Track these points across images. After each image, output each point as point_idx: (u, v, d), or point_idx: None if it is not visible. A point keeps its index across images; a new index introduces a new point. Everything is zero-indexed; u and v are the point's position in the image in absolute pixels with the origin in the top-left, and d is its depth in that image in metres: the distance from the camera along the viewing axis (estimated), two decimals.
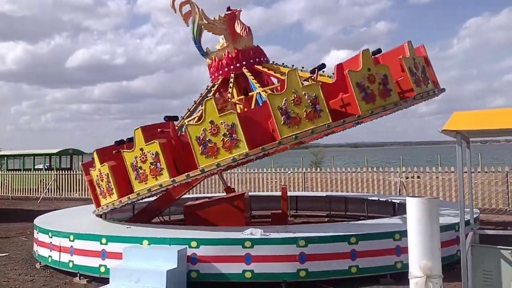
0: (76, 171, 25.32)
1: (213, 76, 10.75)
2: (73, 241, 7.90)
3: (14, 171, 28.30)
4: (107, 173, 8.33)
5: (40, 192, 23.84)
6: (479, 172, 15.82)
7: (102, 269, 7.43)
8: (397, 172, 17.30)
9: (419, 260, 4.20)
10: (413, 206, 4.29)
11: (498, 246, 4.52)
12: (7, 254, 10.04)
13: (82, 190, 23.46)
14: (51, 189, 23.61)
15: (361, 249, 7.07)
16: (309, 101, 7.24)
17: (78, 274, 7.75)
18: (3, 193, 25.59)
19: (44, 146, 28.84)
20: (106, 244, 7.48)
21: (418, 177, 17.16)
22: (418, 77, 7.98)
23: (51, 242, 8.38)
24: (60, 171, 25.36)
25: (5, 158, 31.79)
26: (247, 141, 7.28)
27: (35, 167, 30.71)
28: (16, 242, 11.56)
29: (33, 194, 24.48)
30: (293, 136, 7.31)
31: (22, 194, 25.01)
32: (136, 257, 6.99)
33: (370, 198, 13.01)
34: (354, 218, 12.23)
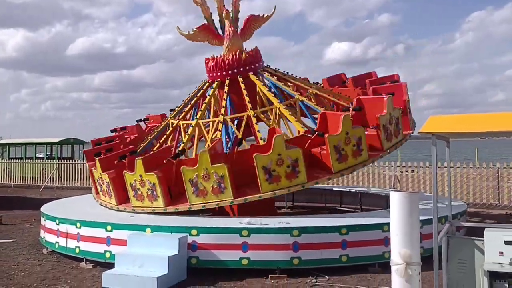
0: (77, 161, 25.75)
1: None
2: (79, 228, 8.34)
3: (16, 160, 28.69)
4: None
5: (42, 180, 24.24)
6: (471, 167, 16.25)
7: (107, 255, 7.88)
8: (392, 166, 17.75)
9: (400, 248, 4.63)
10: (395, 199, 4.72)
11: (472, 237, 4.96)
12: (14, 240, 10.48)
13: (83, 179, 23.89)
14: (53, 178, 24.03)
15: (351, 239, 7.54)
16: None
17: (84, 259, 8.19)
18: (5, 181, 26.00)
19: (44, 134, 29.29)
20: (111, 231, 7.93)
21: (412, 171, 17.58)
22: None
23: (58, 229, 8.81)
24: (62, 160, 25.76)
25: (7, 146, 32.16)
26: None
27: (37, 156, 31.10)
28: (22, 229, 12.01)
29: (34, 183, 24.88)
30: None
31: (24, 182, 25.41)
32: (140, 243, 7.44)
33: (364, 191, 13.45)
34: (349, 210, 12.67)
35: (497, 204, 15.49)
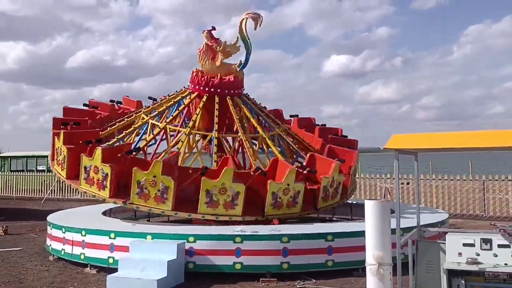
0: None
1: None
2: (84, 236, 8.93)
3: (17, 172, 29.23)
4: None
5: (43, 192, 24.77)
6: (458, 180, 16.90)
7: (111, 260, 8.46)
8: (383, 178, 18.40)
9: (373, 250, 5.25)
10: (369, 207, 5.37)
11: (438, 241, 5.58)
12: (21, 248, 11.05)
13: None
14: (54, 190, 24.57)
15: (336, 246, 8.17)
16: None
17: (89, 265, 8.77)
18: (7, 193, 26.53)
19: (42, 146, 29.71)
20: (114, 238, 8.52)
21: (407, 183, 18.12)
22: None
23: (64, 237, 9.39)
24: None
25: (8, 159, 32.70)
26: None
27: (38, 168, 31.62)
28: (27, 238, 12.57)
29: (36, 195, 25.44)
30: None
31: (25, 194, 25.97)
32: (141, 249, 8.04)
33: (356, 202, 14.03)
34: (340, 220, 13.24)
35: (483, 215, 16.12)
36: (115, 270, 7.96)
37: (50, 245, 10.01)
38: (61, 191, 24.74)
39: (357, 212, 13.44)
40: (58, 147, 10.68)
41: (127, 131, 11.62)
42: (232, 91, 11.42)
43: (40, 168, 31.99)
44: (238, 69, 11.46)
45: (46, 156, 32.17)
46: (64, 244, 9.38)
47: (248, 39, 11.30)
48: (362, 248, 8.18)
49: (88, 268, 8.76)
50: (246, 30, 11.21)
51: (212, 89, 11.25)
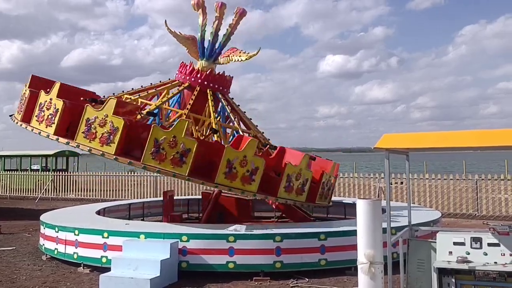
0: (72, 172, 26.29)
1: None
2: (77, 235, 8.91)
3: (11, 171, 29.15)
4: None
5: (37, 192, 24.72)
6: (451, 179, 17.03)
7: (104, 260, 8.45)
8: (377, 177, 18.48)
9: (365, 249, 5.29)
10: (361, 206, 5.40)
11: (429, 240, 5.63)
12: (14, 248, 11.02)
13: (78, 190, 24.44)
14: (48, 189, 24.51)
15: (329, 245, 8.21)
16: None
17: (82, 264, 8.76)
18: (1, 193, 26.44)
19: (36, 146, 29.67)
20: (107, 237, 8.51)
21: (401, 182, 18.24)
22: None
23: (57, 236, 9.38)
24: (57, 172, 26.27)
25: (2, 158, 32.60)
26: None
27: (32, 167, 31.55)
28: (20, 237, 12.53)
29: (30, 194, 25.38)
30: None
31: (20, 193, 25.90)
32: (135, 248, 8.04)
33: (349, 202, 14.12)
34: (333, 219, 13.31)
35: (476, 214, 16.23)
36: (108, 269, 7.94)
37: (43, 244, 9.99)
38: (55, 191, 24.71)
39: (350, 211, 13.53)
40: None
41: None
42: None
43: (34, 167, 31.93)
44: (199, 60, 11.55)
45: (40, 156, 32.38)
46: (57, 244, 9.37)
47: (214, 27, 11.27)
48: (355, 247, 8.24)
49: (81, 267, 8.74)
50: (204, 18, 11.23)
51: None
